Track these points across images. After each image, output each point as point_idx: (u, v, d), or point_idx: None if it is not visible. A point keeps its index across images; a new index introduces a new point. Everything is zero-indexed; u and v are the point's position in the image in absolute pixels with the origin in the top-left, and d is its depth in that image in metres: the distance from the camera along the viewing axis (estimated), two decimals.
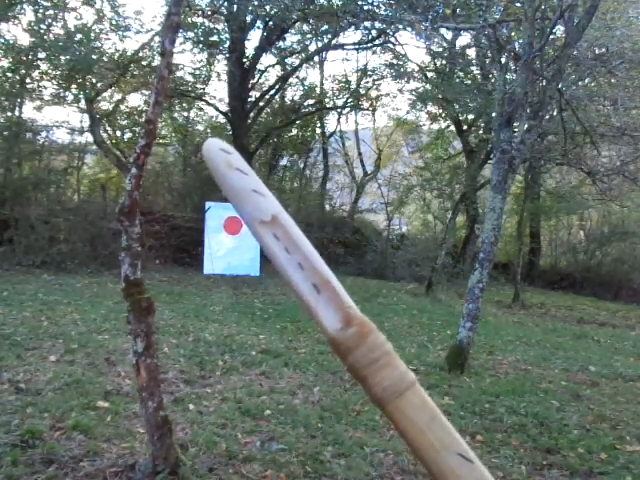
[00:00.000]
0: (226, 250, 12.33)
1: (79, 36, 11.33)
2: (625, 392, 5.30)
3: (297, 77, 16.88)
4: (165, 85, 2.78)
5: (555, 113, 8.02)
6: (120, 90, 14.04)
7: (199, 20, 13.56)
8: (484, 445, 3.63)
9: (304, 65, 16.23)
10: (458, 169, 16.41)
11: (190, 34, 13.25)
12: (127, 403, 3.71)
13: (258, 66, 15.15)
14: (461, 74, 13.91)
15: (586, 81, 9.01)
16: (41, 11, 11.49)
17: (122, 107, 14.74)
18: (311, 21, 13.73)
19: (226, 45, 14.01)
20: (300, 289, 0.46)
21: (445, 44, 13.59)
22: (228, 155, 0.48)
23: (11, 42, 11.25)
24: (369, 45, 14.92)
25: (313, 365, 5.15)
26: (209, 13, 13.61)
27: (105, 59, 11.88)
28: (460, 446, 0.44)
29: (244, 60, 14.44)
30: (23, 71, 11.74)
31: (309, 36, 15.29)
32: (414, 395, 0.45)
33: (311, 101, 17.23)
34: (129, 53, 12.57)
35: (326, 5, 13.22)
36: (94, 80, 12.35)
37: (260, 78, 15.75)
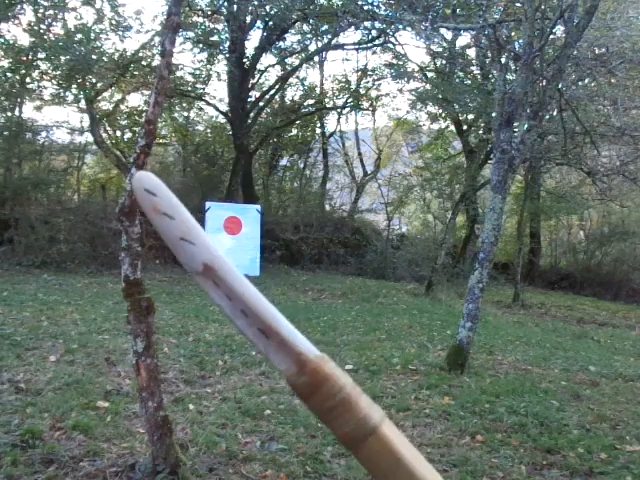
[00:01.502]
0: (226, 250, 12.33)
1: (79, 36, 11.33)
2: (625, 392, 5.30)
3: (297, 77, 16.88)
4: (165, 85, 2.78)
5: (555, 113, 8.01)
6: (120, 90, 14.04)
7: (199, 20, 13.56)
8: (484, 445, 3.63)
9: (304, 65, 16.23)
10: (458, 169, 16.41)
11: (190, 34, 13.26)
12: (127, 403, 3.71)
13: (258, 66, 15.16)
14: (461, 74, 13.90)
15: (586, 81, 9.00)
16: (41, 11, 11.49)
17: (122, 107, 14.75)
18: (311, 21, 13.72)
19: (226, 45, 14.01)
20: (248, 335, 0.43)
21: (445, 44, 13.58)
22: (153, 197, 0.42)
23: (11, 42, 11.25)
24: (369, 45, 14.92)
25: None
26: (209, 13, 13.61)
27: (105, 59, 11.87)
28: None
29: (244, 60, 14.44)
30: (23, 71, 11.74)
31: (309, 36, 15.29)
32: (376, 442, 0.43)
33: (311, 101, 17.23)
34: (129, 53, 12.57)
35: (326, 5, 13.23)
36: (94, 80, 12.35)
37: (260, 78, 15.75)
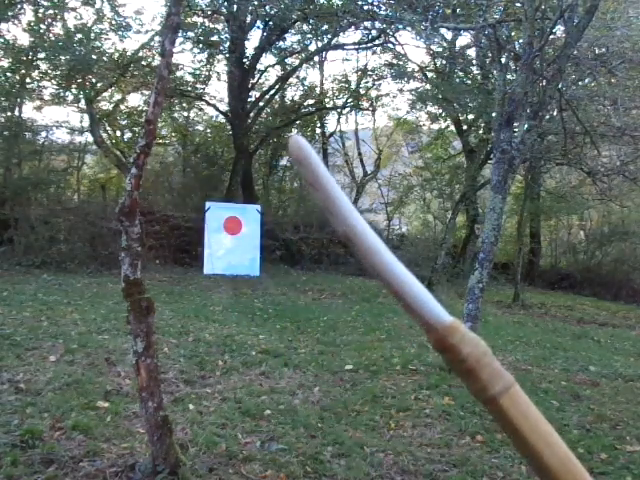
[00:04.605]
0: (226, 250, 12.33)
1: (79, 36, 11.33)
2: (625, 392, 5.30)
3: (297, 77, 16.89)
4: (165, 85, 2.78)
5: (555, 113, 8.02)
6: (120, 90, 14.04)
7: (199, 20, 13.57)
8: (484, 445, 3.63)
9: (304, 65, 16.23)
10: (458, 169, 16.42)
11: (190, 34, 13.25)
12: (127, 403, 3.70)
13: (258, 66, 15.17)
14: (461, 74, 13.91)
15: (586, 81, 9.01)
16: (41, 11, 11.49)
17: (122, 107, 14.76)
18: (311, 21, 13.72)
19: (226, 45, 14.01)
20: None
21: (445, 44, 13.58)
22: (300, 168, 0.46)
23: (11, 42, 11.25)
24: (369, 45, 14.91)
25: (313, 365, 5.15)
26: (209, 13, 13.61)
27: (105, 59, 11.87)
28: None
29: (244, 60, 14.44)
30: (23, 71, 11.74)
31: (309, 36, 15.29)
32: (494, 410, 0.45)
33: (311, 101, 17.24)
34: (129, 53, 12.58)
35: (326, 5, 13.22)
36: (94, 80, 12.35)
37: (260, 78, 15.76)
